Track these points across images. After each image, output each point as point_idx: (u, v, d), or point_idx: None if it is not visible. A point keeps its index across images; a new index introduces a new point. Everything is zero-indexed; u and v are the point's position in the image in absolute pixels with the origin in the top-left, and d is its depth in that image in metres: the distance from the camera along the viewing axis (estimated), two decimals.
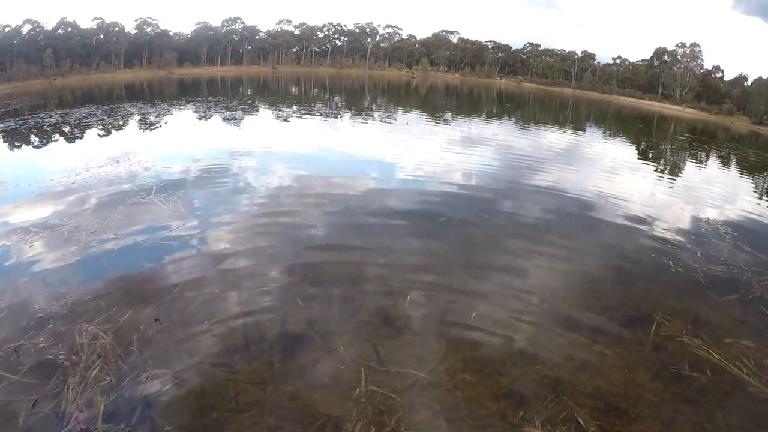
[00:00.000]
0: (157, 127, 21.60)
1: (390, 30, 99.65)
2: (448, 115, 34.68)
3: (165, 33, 79.57)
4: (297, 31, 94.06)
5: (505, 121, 34.23)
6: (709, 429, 4.65)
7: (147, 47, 75.22)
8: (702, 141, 35.39)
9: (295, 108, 32.00)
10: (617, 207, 12.04)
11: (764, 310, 7.15)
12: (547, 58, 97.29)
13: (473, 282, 7.18)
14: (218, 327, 5.58)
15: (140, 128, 21.03)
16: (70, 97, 36.17)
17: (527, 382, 5.03)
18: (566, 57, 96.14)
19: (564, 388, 4.96)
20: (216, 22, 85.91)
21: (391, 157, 16.31)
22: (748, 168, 24.26)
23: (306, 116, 27.99)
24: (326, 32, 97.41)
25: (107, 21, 71.70)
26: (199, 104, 31.01)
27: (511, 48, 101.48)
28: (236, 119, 25.04)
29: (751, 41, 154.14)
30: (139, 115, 24.79)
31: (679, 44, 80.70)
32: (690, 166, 23.04)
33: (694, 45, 79.29)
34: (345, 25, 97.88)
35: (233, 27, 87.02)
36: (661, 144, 30.82)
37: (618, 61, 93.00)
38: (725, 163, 25.31)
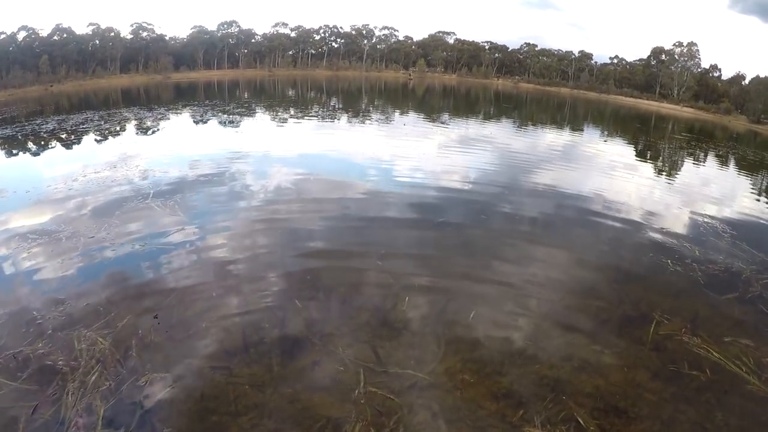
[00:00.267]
0: (153, 132, 21.59)
1: (386, 31, 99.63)
2: (445, 116, 34.69)
3: (161, 37, 79.41)
4: (293, 34, 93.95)
5: (503, 122, 34.26)
6: (709, 428, 4.65)
7: (143, 52, 75.05)
8: (700, 140, 35.42)
9: (292, 111, 32.04)
10: (615, 206, 12.05)
11: (763, 309, 7.16)
12: (544, 58, 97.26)
13: (471, 283, 7.18)
14: (217, 330, 5.59)
15: (137, 133, 21.02)
16: (66, 104, 36.12)
17: (526, 382, 5.03)
18: (563, 57, 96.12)
19: (563, 388, 4.97)
20: (212, 26, 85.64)
21: (389, 158, 16.32)
22: (746, 167, 24.28)
23: (303, 119, 28.00)
24: (322, 34, 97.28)
25: (103, 26, 71.42)
26: (195, 108, 30.97)
27: (508, 48, 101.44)
28: (233, 123, 25.04)
29: (749, 40, 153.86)
30: (135, 120, 24.77)
31: (677, 43, 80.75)
32: (688, 165, 23.08)
33: (692, 44, 79.36)
34: (341, 27, 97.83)
35: (229, 30, 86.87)
36: (659, 143, 30.84)
37: (615, 61, 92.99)
38: (723, 162, 25.33)
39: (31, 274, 6.84)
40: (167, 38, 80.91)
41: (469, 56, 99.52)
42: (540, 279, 7.48)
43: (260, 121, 26.80)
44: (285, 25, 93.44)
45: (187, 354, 5.14)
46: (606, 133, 34.48)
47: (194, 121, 25.29)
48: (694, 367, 5.53)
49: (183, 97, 43.77)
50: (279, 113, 30.40)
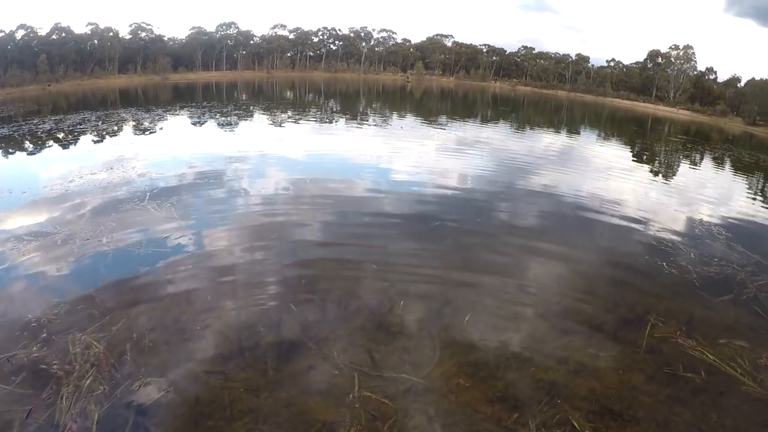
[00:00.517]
0: (151, 133, 21.58)
1: (384, 34, 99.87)
2: (443, 118, 34.73)
3: (159, 38, 79.42)
4: (292, 36, 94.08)
5: (500, 125, 34.32)
6: (704, 430, 4.66)
7: (141, 52, 75.03)
8: (696, 142, 35.57)
9: (290, 113, 32.05)
10: (611, 209, 12.07)
11: (758, 310, 7.17)
12: (542, 61, 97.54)
13: (467, 286, 7.19)
14: (212, 334, 5.57)
15: (134, 134, 21.00)
16: (64, 103, 36.07)
17: (522, 386, 5.03)
18: (560, 60, 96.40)
19: (558, 391, 4.96)
20: (210, 27, 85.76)
21: (386, 161, 16.34)
22: (742, 168, 24.38)
23: (301, 121, 28.02)
24: (321, 36, 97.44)
25: (101, 26, 71.45)
26: (193, 110, 30.97)
27: (506, 51, 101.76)
28: (231, 124, 25.06)
29: (744, 43, 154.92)
30: (133, 121, 24.76)
31: (673, 46, 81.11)
32: (684, 168, 23.14)
33: (688, 47, 79.67)
34: (340, 30, 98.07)
35: (228, 32, 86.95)
36: (655, 146, 30.93)
37: (612, 64, 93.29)
38: (719, 163, 25.42)
39: (26, 276, 6.82)
40: (166, 39, 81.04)
41: (466, 59, 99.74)
42: (535, 282, 7.49)
43: (258, 123, 26.80)
44: (283, 26, 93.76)
45: (182, 358, 5.13)
46: (603, 135, 34.57)
47: (192, 123, 25.29)
48: (689, 370, 5.54)
49: (181, 98, 43.76)
50: (277, 115, 30.37)
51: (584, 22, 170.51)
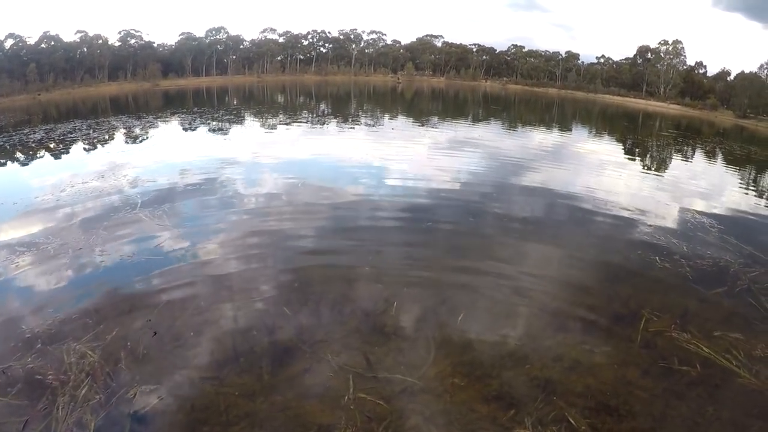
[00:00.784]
0: (142, 140, 21.52)
1: (374, 36, 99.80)
2: (434, 119, 34.78)
3: (149, 44, 79.18)
4: (281, 39, 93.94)
5: (491, 124, 34.36)
6: (701, 422, 4.68)
7: (131, 59, 74.75)
8: (687, 136, 35.71)
9: (281, 116, 32.04)
10: (604, 204, 12.12)
11: (752, 302, 7.22)
12: (532, 59, 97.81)
13: (461, 285, 7.20)
14: (206, 340, 5.56)
15: (125, 142, 20.90)
16: (54, 112, 35.88)
17: (517, 384, 5.04)
18: (550, 58, 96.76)
19: (554, 388, 4.98)
20: (200, 33, 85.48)
21: (378, 163, 16.33)
22: (733, 161, 24.53)
23: (292, 124, 28.00)
24: (311, 39, 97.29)
25: (90, 34, 71.09)
26: (184, 116, 30.89)
27: (496, 50, 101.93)
28: (222, 130, 25.03)
29: (733, 37, 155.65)
30: (124, 128, 24.65)
31: (662, 42, 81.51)
32: (676, 162, 23.27)
33: (677, 42, 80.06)
34: (329, 32, 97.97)
35: (217, 37, 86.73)
36: (647, 141, 31.08)
37: (602, 60, 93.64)
38: (711, 157, 25.58)
39: (19, 287, 6.78)
40: (155, 45, 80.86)
41: (457, 59, 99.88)
42: (529, 279, 7.50)
43: (249, 128, 26.79)
44: (273, 30, 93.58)
45: (176, 365, 5.12)
46: (594, 132, 34.70)
47: (183, 129, 25.22)
48: (684, 363, 5.56)
49: (171, 104, 43.65)
50: (268, 119, 30.38)
51: (573, 19, 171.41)
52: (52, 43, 66.03)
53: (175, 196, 11.22)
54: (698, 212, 12.07)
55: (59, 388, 4.71)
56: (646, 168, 19.87)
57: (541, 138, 26.99)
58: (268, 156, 16.91)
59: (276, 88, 67.38)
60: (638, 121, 47.91)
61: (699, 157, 25.43)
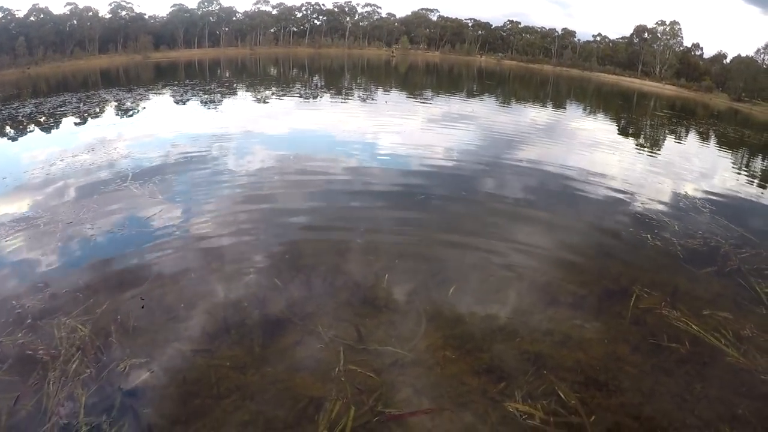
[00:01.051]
0: (133, 114, 21.21)
1: (369, 8, 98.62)
2: (428, 93, 34.52)
3: (140, 16, 77.78)
4: (275, 12, 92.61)
5: (486, 99, 34.14)
6: (689, 399, 4.73)
7: (122, 32, 73.47)
8: (681, 117, 35.68)
9: (274, 89, 31.70)
10: (597, 182, 12.13)
11: (741, 282, 7.26)
12: (528, 35, 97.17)
13: (453, 259, 7.20)
14: (197, 313, 5.55)
15: (116, 115, 20.61)
16: (44, 86, 35.28)
17: (507, 358, 5.07)
18: (546, 34, 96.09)
19: (544, 363, 5.01)
20: (192, 4, 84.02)
21: (371, 136, 16.27)
22: (726, 144, 24.56)
23: (285, 97, 27.73)
24: (304, 12, 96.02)
25: (80, 6, 69.66)
26: (176, 88, 30.49)
27: (491, 26, 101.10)
28: (214, 102, 24.76)
29: (731, 20, 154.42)
30: (114, 101, 24.31)
31: (659, 22, 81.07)
32: (669, 142, 23.25)
33: (674, 23, 79.69)
34: (323, 5, 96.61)
35: (210, 8, 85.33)
36: (641, 120, 31.03)
37: (598, 39, 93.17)
38: (704, 138, 25.59)
39: (9, 262, 6.70)
40: (147, 17, 79.45)
41: (452, 33, 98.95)
42: (521, 254, 7.51)
43: (242, 101, 26.50)
44: (266, 2, 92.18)
45: (167, 338, 5.10)
46: (589, 110, 34.59)
47: (175, 102, 24.94)
48: (673, 340, 5.61)
49: (163, 77, 43.09)
50: (261, 92, 30.05)
51: None
52: (42, 15, 64.66)
53: (166, 169, 11.09)
54: (690, 193, 12.10)
55: (50, 362, 4.68)
56: (639, 147, 19.84)
57: (534, 114, 26.89)
58: (261, 129, 16.76)
59: (269, 61, 66.57)
60: (633, 101, 47.76)
61: (693, 138, 25.42)
